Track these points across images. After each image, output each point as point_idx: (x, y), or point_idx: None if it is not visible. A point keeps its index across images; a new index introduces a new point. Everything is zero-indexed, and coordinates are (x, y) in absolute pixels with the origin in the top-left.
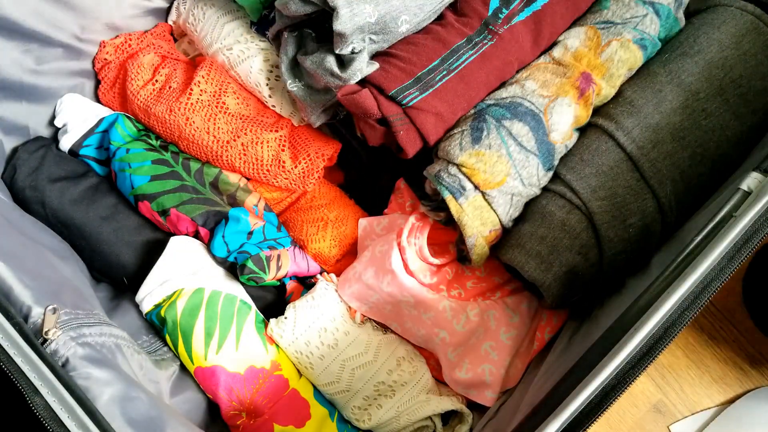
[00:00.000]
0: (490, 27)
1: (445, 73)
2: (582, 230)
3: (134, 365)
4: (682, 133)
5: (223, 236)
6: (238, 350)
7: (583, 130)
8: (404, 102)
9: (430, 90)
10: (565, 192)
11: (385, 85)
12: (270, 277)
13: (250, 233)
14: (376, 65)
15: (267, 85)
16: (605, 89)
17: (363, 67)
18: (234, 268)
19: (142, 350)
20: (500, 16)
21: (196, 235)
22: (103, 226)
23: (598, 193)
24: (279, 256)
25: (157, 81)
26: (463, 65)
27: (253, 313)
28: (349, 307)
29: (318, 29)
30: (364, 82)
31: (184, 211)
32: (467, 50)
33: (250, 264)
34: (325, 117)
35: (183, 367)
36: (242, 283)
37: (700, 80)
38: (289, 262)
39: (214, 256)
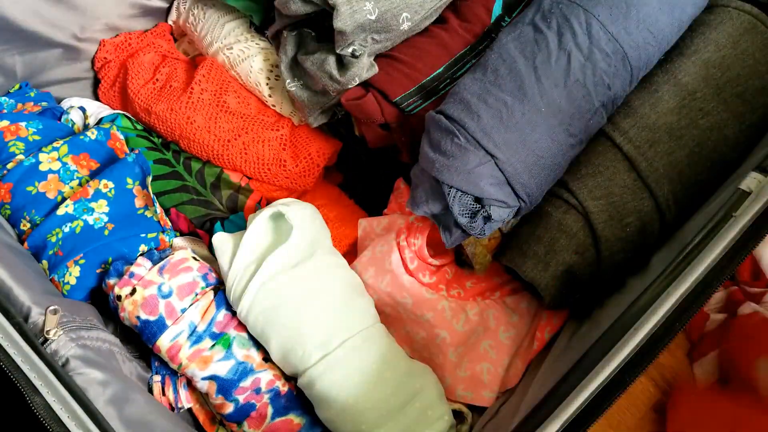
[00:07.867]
0: (493, 36)
1: (448, 81)
2: (579, 230)
3: (126, 371)
4: (679, 132)
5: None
6: None
7: None
8: (408, 110)
9: (434, 98)
10: (562, 192)
11: (390, 91)
12: None
13: None
14: (375, 70)
15: (267, 84)
16: None
17: (362, 73)
18: None
19: (133, 358)
20: (503, 24)
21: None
22: None
23: (594, 192)
24: None
25: (157, 80)
26: None
27: None
28: None
29: (318, 29)
30: (367, 85)
31: (183, 211)
32: (471, 59)
33: None
34: (323, 118)
35: None
36: None
37: (697, 80)
38: None
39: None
